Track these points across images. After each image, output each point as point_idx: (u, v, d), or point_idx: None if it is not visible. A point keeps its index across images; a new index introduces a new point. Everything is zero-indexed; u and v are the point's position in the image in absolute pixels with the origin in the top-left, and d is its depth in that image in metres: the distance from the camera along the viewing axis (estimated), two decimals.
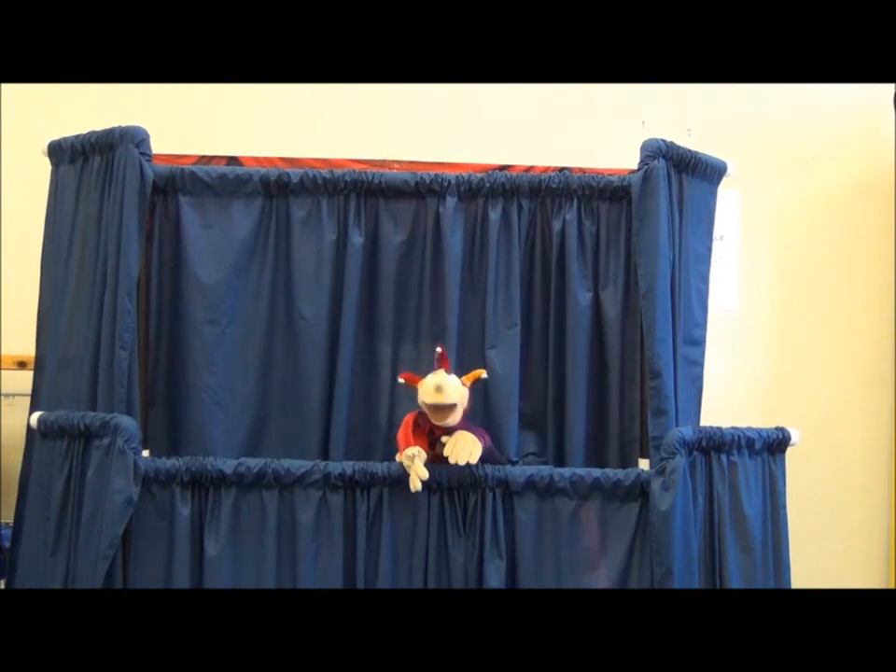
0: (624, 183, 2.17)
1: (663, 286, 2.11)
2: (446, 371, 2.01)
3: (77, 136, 2.18)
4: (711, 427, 2.10)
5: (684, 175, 2.20)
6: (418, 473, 1.95)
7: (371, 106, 3.01)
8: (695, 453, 2.07)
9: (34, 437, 2.13)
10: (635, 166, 2.18)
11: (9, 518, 2.24)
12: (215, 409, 2.16)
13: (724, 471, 2.09)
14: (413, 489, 1.95)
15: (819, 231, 3.15)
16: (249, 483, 2.01)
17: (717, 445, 2.09)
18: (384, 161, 2.29)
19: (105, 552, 1.92)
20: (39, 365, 2.21)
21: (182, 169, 2.15)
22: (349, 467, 2.02)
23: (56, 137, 2.23)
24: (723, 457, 2.10)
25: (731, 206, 2.99)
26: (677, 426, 2.07)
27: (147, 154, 2.12)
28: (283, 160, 2.28)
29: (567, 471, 2.07)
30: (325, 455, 2.15)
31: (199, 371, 2.15)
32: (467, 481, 2.02)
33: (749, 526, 2.09)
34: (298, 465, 2.02)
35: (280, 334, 2.19)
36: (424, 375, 2.03)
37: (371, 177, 2.17)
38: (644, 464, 2.17)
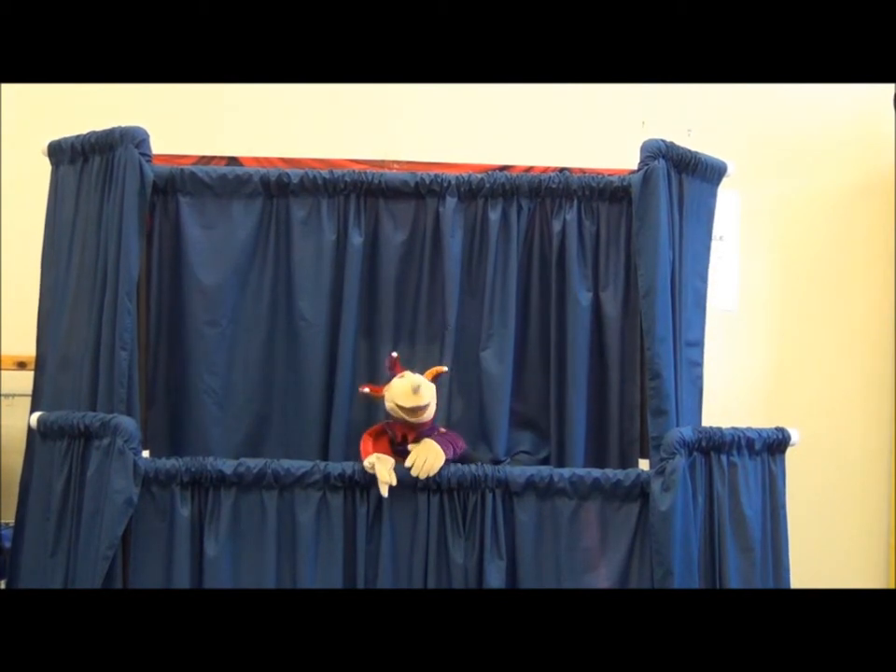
0: (624, 183, 2.17)
1: (663, 286, 2.11)
2: (401, 376, 2.02)
3: (77, 136, 2.18)
4: (711, 428, 2.10)
5: (684, 175, 2.20)
6: (381, 479, 1.96)
7: (371, 107, 3.01)
8: (695, 453, 2.06)
9: (34, 437, 2.13)
10: (635, 166, 2.17)
11: (10, 518, 2.24)
12: (215, 409, 2.16)
13: (724, 472, 2.09)
14: (383, 494, 1.96)
15: (819, 231, 3.15)
16: (249, 483, 2.01)
17: (717, 445, 2.09)
18: (383, 161, 2.29)
19: (104, 552, 1.92)
20: (39, 365, 2.21)
21: (182, 169, 2.15)
22: (349, 467, 2.02)
23: (56, 137, 2.23)
24: (723, 458, 2.09)
25: (731, 206, 2.98)
26: (677, 426, 2.08)
27: (146, 154, 2.11)
28: (283, 160, 2.28)
29: (566, 472, 2.06)
30: (325, 455, 2.15)
31: (199, 371, 2.16)
32: (467, 481, 2.02)
33: (748, 527, 2.09)
34: (298, 465, 2.02)
35: (280, 334, 2.19)
36: (389, 380, 2.03)
37: (370, 178, 2.17)
38: (644, 464, 2.17)
